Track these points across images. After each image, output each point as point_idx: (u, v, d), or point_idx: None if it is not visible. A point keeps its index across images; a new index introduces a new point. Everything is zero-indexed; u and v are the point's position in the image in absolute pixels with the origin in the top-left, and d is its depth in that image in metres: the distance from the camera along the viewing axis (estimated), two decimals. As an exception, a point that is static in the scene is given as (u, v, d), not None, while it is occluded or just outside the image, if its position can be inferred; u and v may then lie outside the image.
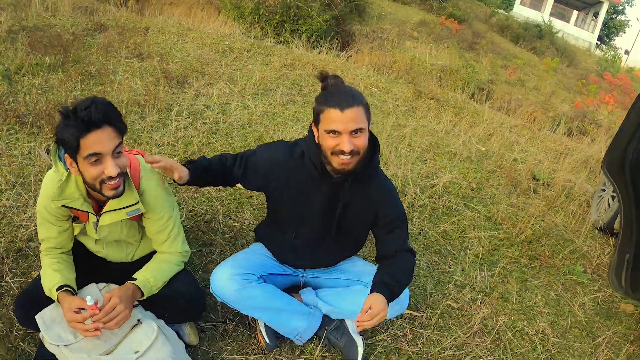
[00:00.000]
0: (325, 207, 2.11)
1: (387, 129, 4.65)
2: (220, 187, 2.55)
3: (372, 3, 12.90)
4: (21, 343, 2.06)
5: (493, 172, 4.44)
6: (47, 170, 2.55)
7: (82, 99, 1.73)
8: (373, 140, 2.04)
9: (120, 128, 1.75)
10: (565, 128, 7.03)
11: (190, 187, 2.44)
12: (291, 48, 7.00)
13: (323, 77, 1.96)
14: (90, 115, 1.63)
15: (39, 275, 1.96)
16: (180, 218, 2.63)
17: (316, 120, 1.94)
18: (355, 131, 1.85)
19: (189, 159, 2.37)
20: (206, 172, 2.15)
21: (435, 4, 15.89)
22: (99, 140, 1.67)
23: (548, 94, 9.37)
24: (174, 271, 2.07)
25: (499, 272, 3.14)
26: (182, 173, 2.04)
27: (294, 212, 2.16)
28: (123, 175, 1.78)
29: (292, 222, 2.20)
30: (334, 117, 1.84)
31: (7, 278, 2.32)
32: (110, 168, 1.70)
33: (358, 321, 1.91)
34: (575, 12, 33.68)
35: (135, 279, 1.93)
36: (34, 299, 1.89)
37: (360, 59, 8.04)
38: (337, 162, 1.91)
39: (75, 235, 2.05)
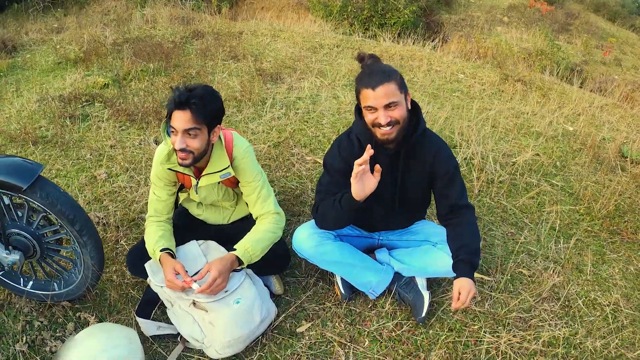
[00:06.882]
0: (388, 179, 2.29)
1: (472, 112, 4.73)
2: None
3: (459, -10, 12.70)
4: (131, 290, 2.58)
5: (579, 150, 4.39)
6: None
7: (196, 84, 2.08)
8: (416, 107, 2.21)
9: (198, 116, 2.04)
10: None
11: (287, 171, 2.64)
12: (379, 41, 7.21)
13: (360, 58, 2.20)
14: (176, 97, 2.01)
15: None
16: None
17: (357, 99, 2.16)
18: (389, 105, 2.04)
19: None
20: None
21: (526, -16, 15.22)
22: (178, 118, 2.04)
23: (646, 72, 8.79)
24: (271, 239, 2.30)
25: (575, 243, 3.17)
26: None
27: None
28: (190, 152, 2.08)
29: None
30: (368, 96, 2.05)
31: (122, 242, 2.87)
32: (177, 143, 2.06)
33: (454, 308, 2.12)
34: (677, -18, 30.33)
35: (235, 249, 2.22)
36: (142, 253, 2.32)
37: (447, 47, 8.05)
38: (379, 133, 2.11)
39: (181, 202, 2.48)
